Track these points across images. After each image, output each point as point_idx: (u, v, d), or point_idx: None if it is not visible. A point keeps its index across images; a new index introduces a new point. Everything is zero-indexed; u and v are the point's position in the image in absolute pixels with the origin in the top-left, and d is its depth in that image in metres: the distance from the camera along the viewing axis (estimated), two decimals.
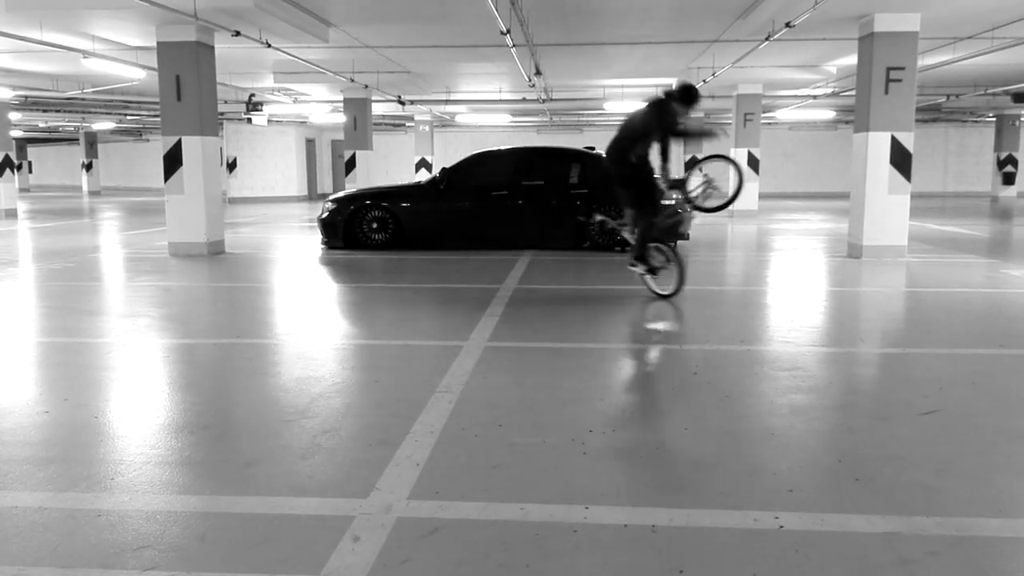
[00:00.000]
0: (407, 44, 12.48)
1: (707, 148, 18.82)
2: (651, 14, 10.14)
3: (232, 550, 2.39)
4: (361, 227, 10.50)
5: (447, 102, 20.09)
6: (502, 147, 11.40)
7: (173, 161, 10.02)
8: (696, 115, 6.48)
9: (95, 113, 22.57)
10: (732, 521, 2.56)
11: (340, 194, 11.03)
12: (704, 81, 14.64)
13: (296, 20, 9.67)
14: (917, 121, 10.32)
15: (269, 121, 22.90)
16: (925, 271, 8.55)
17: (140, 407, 3.85)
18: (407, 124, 27.44)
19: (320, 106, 20.86)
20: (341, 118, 18.52)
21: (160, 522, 2.57)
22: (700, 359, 4.76)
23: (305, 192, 27.51)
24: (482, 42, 11.68)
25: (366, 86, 16.17)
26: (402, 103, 18.57)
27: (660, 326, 5.96)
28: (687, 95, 5.99)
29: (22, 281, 8.05)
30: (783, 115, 22.07)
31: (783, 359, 4.70)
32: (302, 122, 26.26)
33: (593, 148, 11.20)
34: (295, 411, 3.72)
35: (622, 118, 6.91)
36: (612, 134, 6.57)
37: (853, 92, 10.77)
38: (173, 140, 9.97)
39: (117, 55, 11.97)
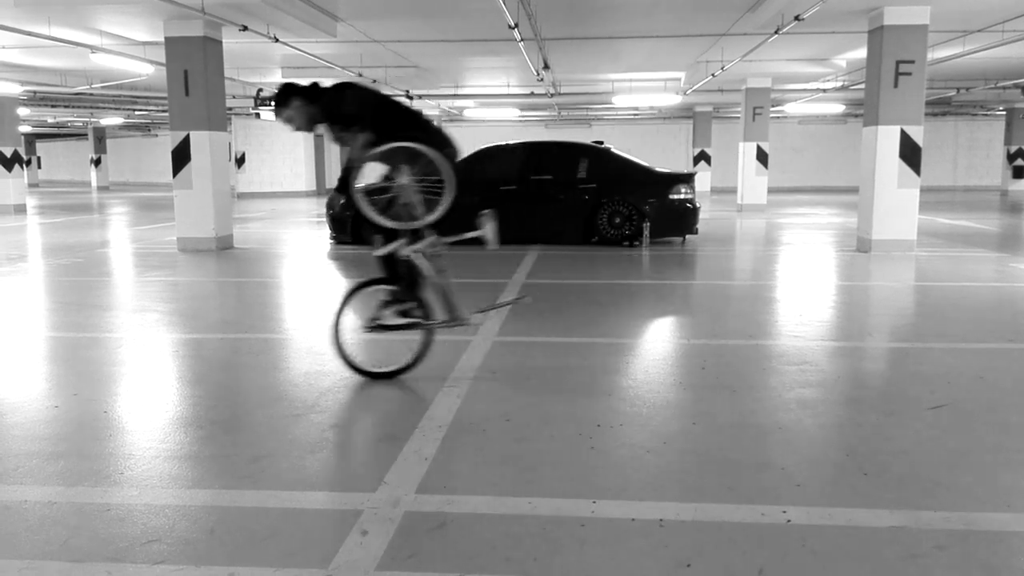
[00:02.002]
0: (415, 39, 12.47)
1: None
2: (659, 7, 10.10)
3: (241, 544, 2.40)
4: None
5: (455, 96, 20.07)
6: (510, 141, 11.39)
7: (181, 156, 10.04)
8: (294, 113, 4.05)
9: (103, 108, 22.63)
10: (739, 515, 2.56)
11: None
12: (713, 75, 14.58)
13: (304, 15, 9.67)
14: (927, 115, 10.25)
15: None
16: (934, 265, 8.51)
17: (149, 402, 3.87)
18: None
19: None
20: None
21: (169, 516, 2.59)
22: (708, 353, 4.75)
23: (313, 187, 27.53)
24: (490, 36, 11.66)
25: (374, 81, 16.14)
26: (410, 98, 18.56)
27: (668, 321, 5.95)
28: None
29: (32, 276, 8.09)
30: (792, 109, 21.95)
31: (791, 353, 4.69)
32: None
33: (602, 142, 11.18)
34: (303, 406, 3.73)
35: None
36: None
37: (863, 86, 10.71)
38: (181, 135, 9.99)
39: (125, 50, 12.00)
